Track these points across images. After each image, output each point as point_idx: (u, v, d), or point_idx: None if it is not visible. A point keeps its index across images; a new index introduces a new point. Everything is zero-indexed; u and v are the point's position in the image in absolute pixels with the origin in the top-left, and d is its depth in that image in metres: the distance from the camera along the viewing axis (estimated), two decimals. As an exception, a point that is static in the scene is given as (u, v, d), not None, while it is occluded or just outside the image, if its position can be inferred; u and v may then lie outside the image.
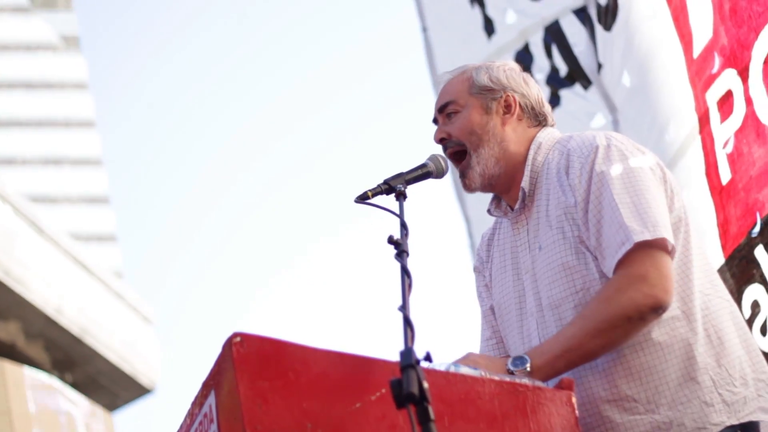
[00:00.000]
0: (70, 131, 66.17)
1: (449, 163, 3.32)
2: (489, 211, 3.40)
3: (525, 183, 3.24)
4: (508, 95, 3.32)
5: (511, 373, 2.90)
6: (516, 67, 3.41)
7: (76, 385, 18.69)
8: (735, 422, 3.00)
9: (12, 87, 65.68)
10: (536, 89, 3.38)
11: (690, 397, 2.99)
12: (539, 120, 3.35)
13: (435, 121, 3.38)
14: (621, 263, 2.99)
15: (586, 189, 3.10)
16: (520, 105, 3.32)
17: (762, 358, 3.16)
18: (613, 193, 3.04)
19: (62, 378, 18.35)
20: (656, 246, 2.98)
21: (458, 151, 3.30)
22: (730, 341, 3.09)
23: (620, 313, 2.93)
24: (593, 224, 3.06)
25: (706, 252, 3.26)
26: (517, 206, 3.27)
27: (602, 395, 3.03)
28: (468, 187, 3.31)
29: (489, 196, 3.42)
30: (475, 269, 3.51)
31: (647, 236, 2.96)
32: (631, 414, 2.99)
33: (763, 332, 4.48)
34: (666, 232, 2.99)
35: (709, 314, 3.10)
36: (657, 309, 2.95)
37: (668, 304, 2.97)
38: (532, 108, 3.34)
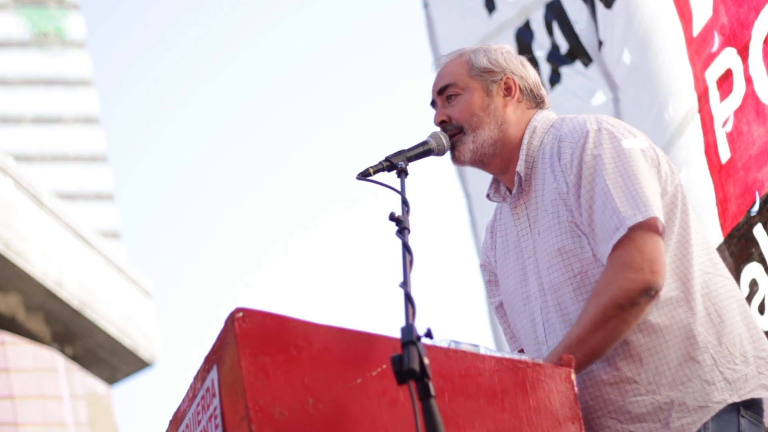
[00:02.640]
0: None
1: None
2: (488, 196, 3.42)
3: (520, 168, 3.26)
4: (508, 77, 3.34)
5: None
6: (512, 50, 3.43)
7: (75, 359, 18.70)
8: (737, 399, 3.02)
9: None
10: (533, 72, 3.40)
11: (690, 377, 3.01)
12: (537, 102, 3.37)
13: (433, 104, 3.39)
14: (612, 249, 3.01)
15: (577, 174, 3.11)
16: (519, 87, 3.34)
17: (762, 335, 3.18)
18: (605, 177, 3.05)
19: (62, 351, 18.37)
20: (646, 227, 2.99)
21: (455, 133, 3.31)
22: (730, 319, 3.10)
23: (611, 303, 2.95)
24: (585, 209, 3.08)
25: (706, 231, 3.27)
26: (514, 191, 3.29)
27: (604, 378, 3.05)
28: (456, 159, 3.31)
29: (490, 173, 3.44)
30: (481, 266, 3.54)
31: (639, 218, 2.98)
32: (633, 395, 3.02)
33: (761, 311, 4.49)
34: (657, 212, 3.01)
35: (710, 293, 3.11)
36: (647, 291, 2.96)
37: (659, 285, 2.97)
38: (531, 90, 3.36)
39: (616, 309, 2.95)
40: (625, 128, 3.20)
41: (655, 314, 3.05)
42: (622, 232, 2.98)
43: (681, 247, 3.13)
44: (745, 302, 3.22)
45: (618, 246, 2.99)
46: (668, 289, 3.07)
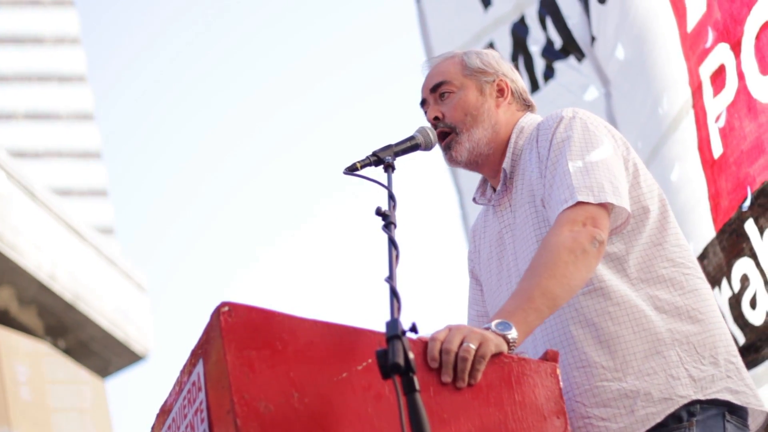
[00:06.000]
0: (63, 86, 66.28)
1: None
2: (474, 200, 3.44)
3: (506, 164, 3.27)
4: (501, 79, 3.37)
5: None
6: (501, 55, 3.48)
7: (68, 351, 18.70)
8: (702, 398, 3.01)
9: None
10: (521, 78, 3.44)
11: (656, 369, 3.01)
12: (526, 106, 3.41)
13: (422, 103, 3.40)
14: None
15: (546, 156, 3.14)
16: (511, 90, 3.38)
17: (733, 342, 3.18)
18: (567, 157, 3.07)
19: (55, 344, 18.37)
20: (596, 206, 2.99)
21: (447, 132, 3.32)
22: (702, 322, 3.10)
23: (564, 248, 2.89)
24: (547, 187, 3.10)
25: (682, 234, 3.26)
26: (498, 188, 3.30)
27: (570, 362, 3.05)
28: (453, 160, 3.32)
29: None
30: (469, 272, 3.55)
31: (591, 199, 2.98)
32: (600, 380, 3.01)
33: (752, 306, 4.50)
34: (612, 197, 3.00)
35: (684, 294, 3.12)
36: (593, 240, 2.93)
37: (602, 237, 2.95)
38: (520, 94, 3.40)
39: (570, 254, 2.89)
40: (599, 122, 3.22)
41: (627, 303, 3.05)
42: (570, 203, 2.98)
43: (657, 245, 3.14)
44: (719, 309, 3.22)
45: (567, 211, 2.98)
46: (638, 283, 3.09)
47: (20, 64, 67.11)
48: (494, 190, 3.37)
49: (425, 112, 3.39)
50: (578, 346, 3.05)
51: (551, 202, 3.06)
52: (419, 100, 3.43)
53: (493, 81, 3.36)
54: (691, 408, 3.00)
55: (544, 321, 3.07)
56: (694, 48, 4.84)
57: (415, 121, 3.41)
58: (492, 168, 3.34)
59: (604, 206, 3.01)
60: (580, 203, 2.98)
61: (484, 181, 3.44)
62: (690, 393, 3.00)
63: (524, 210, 3.20)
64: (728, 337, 3.16)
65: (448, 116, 3.32)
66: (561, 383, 2.80)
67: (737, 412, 3.06)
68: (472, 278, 3.52)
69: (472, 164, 3.33)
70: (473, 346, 2.63)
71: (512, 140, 3.30)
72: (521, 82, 3.43)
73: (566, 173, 3.04)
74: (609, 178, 3.04)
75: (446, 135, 3.31)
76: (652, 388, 2.99)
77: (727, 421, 3.03)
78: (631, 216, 3.11)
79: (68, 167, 66.59)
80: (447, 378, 2.62)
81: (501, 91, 3.36)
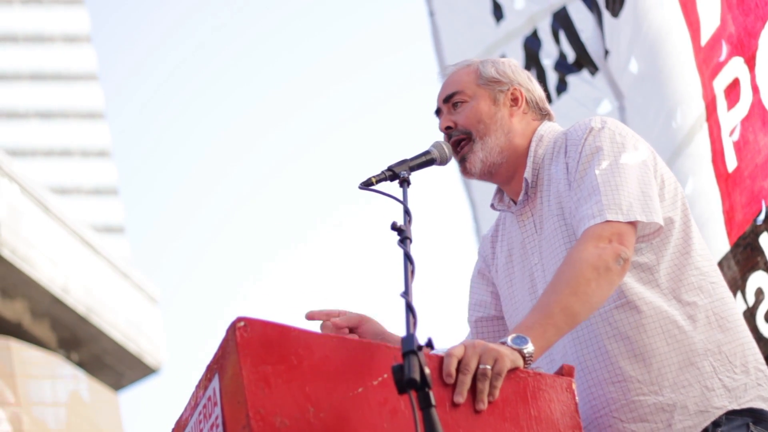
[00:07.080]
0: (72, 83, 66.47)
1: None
2: (492, 205, 3.43)
3: (528, 174, 3.26)
4: (515, 88, 3.37)
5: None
6: (519, 64, 3.47)
7: (81, 365, 18.72)
8: (737, 407, 3.01)
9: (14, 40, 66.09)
10: (539, 87, 3.43)
11: (691, 381, 3.00)
12: (542, 115, 3.40)
13: (437, 112, 3.41)
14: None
15: (575, 168, 3.13)
16: (525, 99, 3.37)
17: (758, 350, 3.18)
18: (596, 171, 3.06)
19: (68, 357, 18.39)
20: (624, 223, 2.98)
21: (462, 139, 3.32)
22: (731, 330, 3.10)
23: (588, 265, 2.88)
24: (575, 200, 3.09)
25: (705, 243, 3.26)
26: (520, 198, 3.29)
27: (605, 377, 3.04)
28: (467, 172, 3.32)
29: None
30: (480, 272, 3.52)
31: (620, 218, 2.97)
32: (636, 394, 3.01)
33: (767, 319, 4.49)
34: (641, 215, 3.00)
35: (713, 302, 3.11)
36: (617, 258, 2.92)
37: (627, 254, 2.94)
38: (536, 104, 3.39)
39: (593, 271, 2.88)
40: (627, 131, 3.21)
41: (658, 314, 3.05)
42: (599, 220, 2.97)
43: (683, 255, 3.14)
44: (742, 316, 3.22)
45: (593, 227, 2.98)
46: (669, 293, 3.09)
47: (30, 62, 67.14)
48: (512, 199, 3.37)
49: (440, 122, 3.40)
50: (613, 361, 3.04)
51: (579, 215, 3.05)
52: (434, 108, 3.44)
53: (507, 90, 3.36)
54: (717, 419, 3.00)
55: (578, 336, 3.08)
56: (707, 61, 4.84)
57: (430, 129, 3.42)
58: (506, 176, 3.34)
59: (633, 223, 3.00)
60: (608, 221, 2.98)
61: (499, 189, 3.44)
62: (725, 403, 3.00)
63: (553, 222, 3.19)
64: (754, 345, 3.16)
65: (461, 125, 3.32)
66: (577, 398, 2.80)
67: (761, 423, 3.06)
68: (483, 281, 3.51)
69: (486, 174, 3.33)
70: (489, 367, 2.63)
71: (532, 149, 3.30)
72: (539, 91, 3.42)
73: (595, 188, 3.03)
74: (639, 193, 3.04)
75: (460, 143, 3.32)
76: (688, 400, 2.99)
77: (751, 431, 3.03)
78: (663, 228, 3.11)
79: (78, 166, 66.53)
80: (460, 398, 2.61)
81: (515, 101, 3.36)
